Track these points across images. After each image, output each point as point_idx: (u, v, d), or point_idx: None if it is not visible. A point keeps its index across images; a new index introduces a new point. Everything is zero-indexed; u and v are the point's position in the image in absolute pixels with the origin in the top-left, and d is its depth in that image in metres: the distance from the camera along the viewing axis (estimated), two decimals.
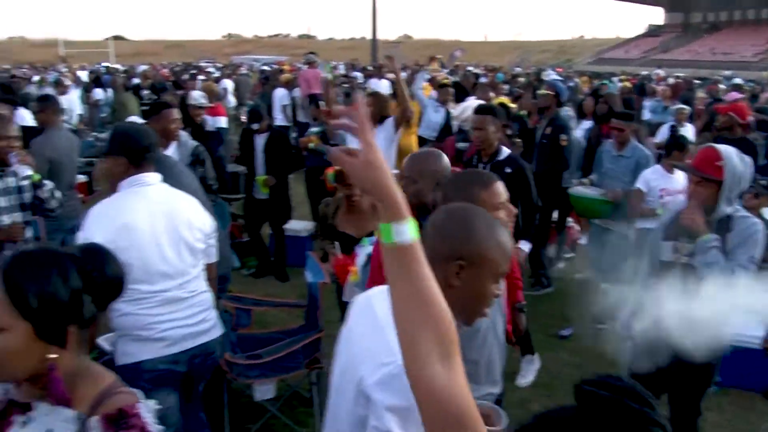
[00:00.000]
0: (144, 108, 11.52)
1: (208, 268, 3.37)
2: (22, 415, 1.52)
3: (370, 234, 3.99)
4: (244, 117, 9.56)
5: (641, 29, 65.13)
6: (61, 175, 5.40)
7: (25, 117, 8.07)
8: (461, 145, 6.54)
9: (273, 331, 4.54)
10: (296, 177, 7.91)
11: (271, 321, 5.40)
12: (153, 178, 3.19)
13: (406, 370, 1.23)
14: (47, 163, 5.27)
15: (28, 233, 4.25)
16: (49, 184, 4.39)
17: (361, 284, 3.59)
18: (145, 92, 14.02)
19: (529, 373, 4.91)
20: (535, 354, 4.98)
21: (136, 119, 7.74)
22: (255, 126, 6.78)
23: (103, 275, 1.59)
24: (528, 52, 49.51)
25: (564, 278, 6.86)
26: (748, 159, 3.28)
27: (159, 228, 3.07)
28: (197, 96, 7.25)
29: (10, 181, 4.15)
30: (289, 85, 12.90)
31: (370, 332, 1.68)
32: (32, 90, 14.03)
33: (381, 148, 4.26)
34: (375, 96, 6.34)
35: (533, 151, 6.65)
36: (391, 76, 11.07)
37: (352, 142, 5.06)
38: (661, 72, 24.23)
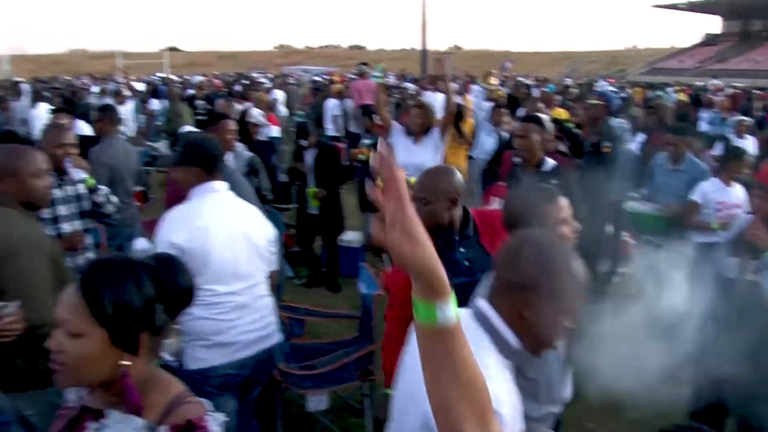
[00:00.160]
0: (198, 118, 11.74)
1: (271, 275, 3.48)
2: (95, 421, 1.54)
3: None
4: (292, 128, 9.63)
5: (697, 38, 63.68)
6: (119, 183, 5.53)
7: (83, 127, 8.28)
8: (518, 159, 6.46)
9: (326, 342, 4.55)
10: (348, 188, 7.94)
11: (322, 331, 5.41)
12: (222, 185, 3.33)
13: None
14: (106, 171, 5.40)
15: (88, 241, 4.33)
16: (104, 189, 4.49)
17: None
18: (200, 102, 14.28)
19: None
20: None
21: (190, 128, 7.88)
22: (303, 142, 6.85)
23: (175, 284, 1.63)
24: (578, 63, 48.84)
25: (618, 294, 6.70)
26: None
27: (231, 232, 3.22)
28: (256, 114, 7.33)
29: (70, 190, 4.25)
30: (341, 96, 12.98)
31: None
32: (92, 100, 14.41)
33: (428, 159, 4.22)
34: (421, 107, 6.33)
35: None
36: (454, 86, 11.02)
37: (402, 151, 5.03)
38: (719, 82, 23.63)
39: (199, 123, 10.25)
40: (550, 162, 4.64)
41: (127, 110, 13.11)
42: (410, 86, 17.83)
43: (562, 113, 8.75)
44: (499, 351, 1.71)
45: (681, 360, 3.56)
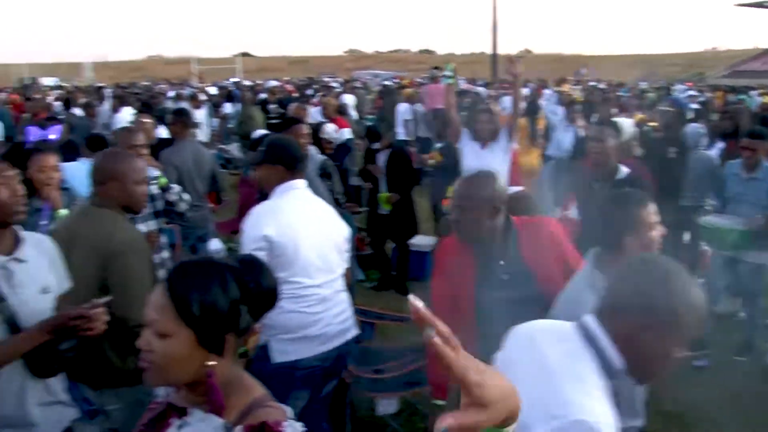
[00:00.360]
0: (271, 122, 11.93)
1: (346, 272, 3.56)
2: (178, 418, 1.57)
3: None
4: (362, 132, 9.64)
5: None
6: (188, 184, 5.65)
7: (160, 130, 8.52)
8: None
9: (396, 346, 4.53)
10: (422, 192, 7.92)
11: (392, 335, 5.40)
12: (302, 183, 3.43)
13: None
14: (174, 172, 5.54)
15: (162, 240, 4.43)
16: (176, 187, 4.59)
17: None
18: (272, 106, 14.53)
19: None
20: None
21: (262, 132, 8.00)
22: (376, 145, 6.86)
23: (259, 286, 1.65)
24: (655, 66, 47.58)
25: None
26: None
27: (314, 228, 3.32)
28: (330, 130, 7.35)
29: None
30: (412, 100, 12.98)
31: (536, 375, 1.61)
32: (169, 105, 14.85)
33: (497, 162, 4.13)
34: (489, 113, 6.24)
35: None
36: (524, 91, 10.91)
37: (470, 156, 4.98)
38: None
39: (272, 127, 10.41)
40: (625, 170, 4.47)
41: (201, 114, 13.46)
42: (481, 90, 17.71)
43: (641, 118, 8.52)
44: (600, 370, 1.65)
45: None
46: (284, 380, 3.19)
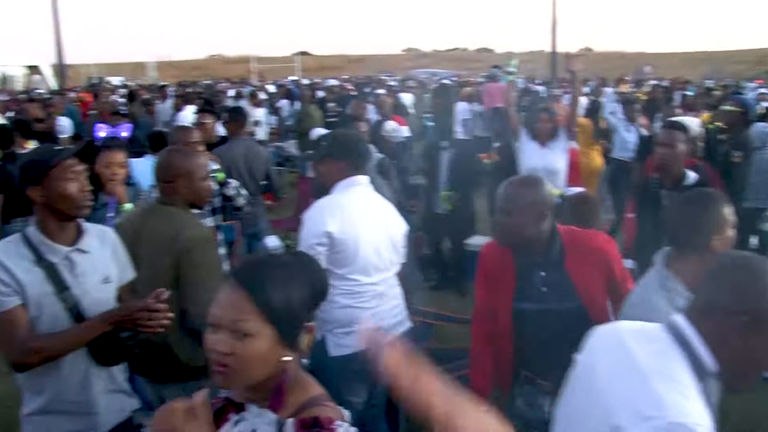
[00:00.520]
0: (329, 120, 12.00)
1: (402, 269, 3.56)
2: (236, 414, 1.57)
3: None
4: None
5: None
6: (240, 182, 5.67)
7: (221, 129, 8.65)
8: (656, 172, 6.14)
9: (454, 347, 4.49)
10: (479, 192, 7.84)
11: (449, 336, 5.35)
12: (365, 180, 3.43)
13: None
14: (225, 170, 5.59)
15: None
16: (233, 182, 4.63)
17: None
18: (330, 105, 14.60)
19: None
20: None
21: (320, 130, 8.05)
22: (444, 143, 6.78)
23: (321, 281, 1.64)
24: (721, 63, 46.01)
25: None
26: None
27: (374, 225, 3.32)
28: (390, 129, 7.33)
29: None
30: (471, 99, 12.88)
31: (625, 375, 1.56)
32: (229, 103, 15.09)
33: (557, 161, 4.04)
34: (549, 111, 6.14)
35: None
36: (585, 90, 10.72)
37: (530, 154, 4.88)
38: None
39: (330, 125, 10.47)
40: (692, 175, 4.22)
41: (260, 112, 13.62)
42: (540, 89, 17.45)
43: (707, 117, 8.25)
44: (692, 371, 1.59)
45: None
46: (340, 373, 3.21)
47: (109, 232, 2.75)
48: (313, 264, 1.68)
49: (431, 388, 1.20)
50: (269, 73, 39.86)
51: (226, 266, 3.95)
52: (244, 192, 4.68)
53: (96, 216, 4.00)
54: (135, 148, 5.49)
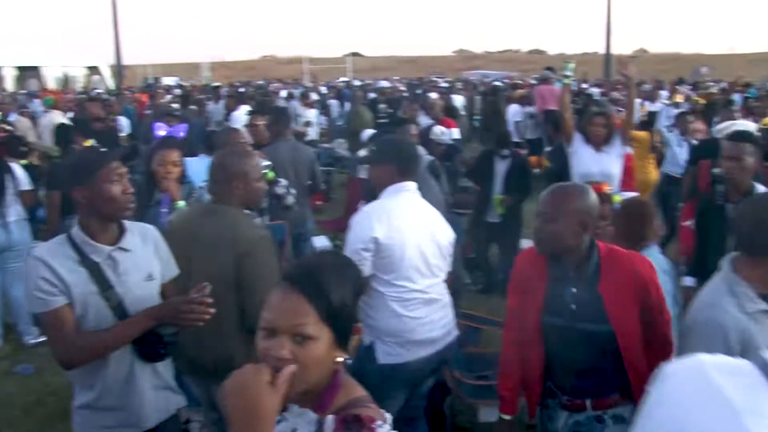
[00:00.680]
0: (380, 121, 12.02)
1: (448, 277, 3.50)
2: (278, 414, 1.55)
3: None
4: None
5: None
6: None
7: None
8: (718, 170, 5.95)
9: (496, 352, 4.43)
10: (530, 197, 7.74)
11: (495, 340, 5.28)
12: (413, 186, 3.39)
13: None
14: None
15: None
16: (283, 181, 4.64)
17: None
18: (381, 106, 14.64)
19: None
20: None
21: (371, 131, 8.05)
22: (505, 152, 6.71)
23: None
24: None
25: None
26: None
27: (421, 232, 3.29)
28: (438, 132, 7.27)
29: None
30: (523, 101, 12.75)
31: (711, 408, 1.46)
32: (281, 104, 15.26)
33: (612, 165, 3.90)
34: (605, 116, 6.02)
35: None
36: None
37: (585, 159, 4.77)
38: None
39: (381, 126, 10.48)
40: (761, 188, 3.99)
41: (312, 113, 13.73)
42: (594, 91, 17.19)
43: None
44: None
45: None
46: (386, 380, 3.19)
47: (151, 230, 2.77)
48: (353, 262, 1.67)
49: None
50: (321, 73, 40.21)
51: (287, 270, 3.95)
52: (293, 191, 4.70)
53: (150, 213, 4.08)
54: (190, 147, 5.56)
